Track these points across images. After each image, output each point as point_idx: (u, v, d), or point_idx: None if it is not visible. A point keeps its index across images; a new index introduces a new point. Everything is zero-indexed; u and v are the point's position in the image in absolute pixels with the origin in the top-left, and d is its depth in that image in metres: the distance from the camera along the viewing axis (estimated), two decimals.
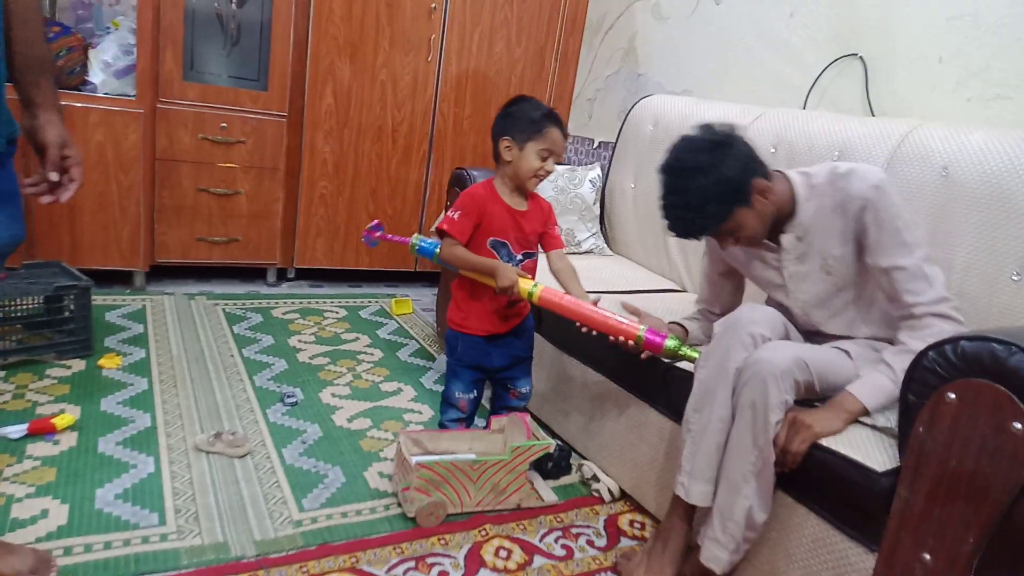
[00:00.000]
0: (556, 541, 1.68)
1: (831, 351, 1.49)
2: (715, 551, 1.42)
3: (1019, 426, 1.04)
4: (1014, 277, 1.54)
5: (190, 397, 2.09)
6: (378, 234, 2.00)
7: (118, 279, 2.88)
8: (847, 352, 1.50)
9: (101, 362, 2.21)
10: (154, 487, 1.66)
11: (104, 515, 1.54)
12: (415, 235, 1.96)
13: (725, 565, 1.42)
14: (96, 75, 2.68)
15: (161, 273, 3.03)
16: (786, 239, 1.54)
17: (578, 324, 1.72)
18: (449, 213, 1.75)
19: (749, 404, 1.37)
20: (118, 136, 2.67)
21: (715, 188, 1.42)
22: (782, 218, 1.54)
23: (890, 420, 1.36)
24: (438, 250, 1.79)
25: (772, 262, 1.60)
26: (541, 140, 1.69)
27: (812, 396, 1.44)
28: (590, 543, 1.69)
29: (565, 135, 1.73)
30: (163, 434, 1.88)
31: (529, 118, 1.69)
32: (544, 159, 1.70)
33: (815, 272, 1.54)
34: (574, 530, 1.73)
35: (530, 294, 1.70)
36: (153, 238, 2.88)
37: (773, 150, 2.13)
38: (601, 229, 2.80)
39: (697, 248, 2.38)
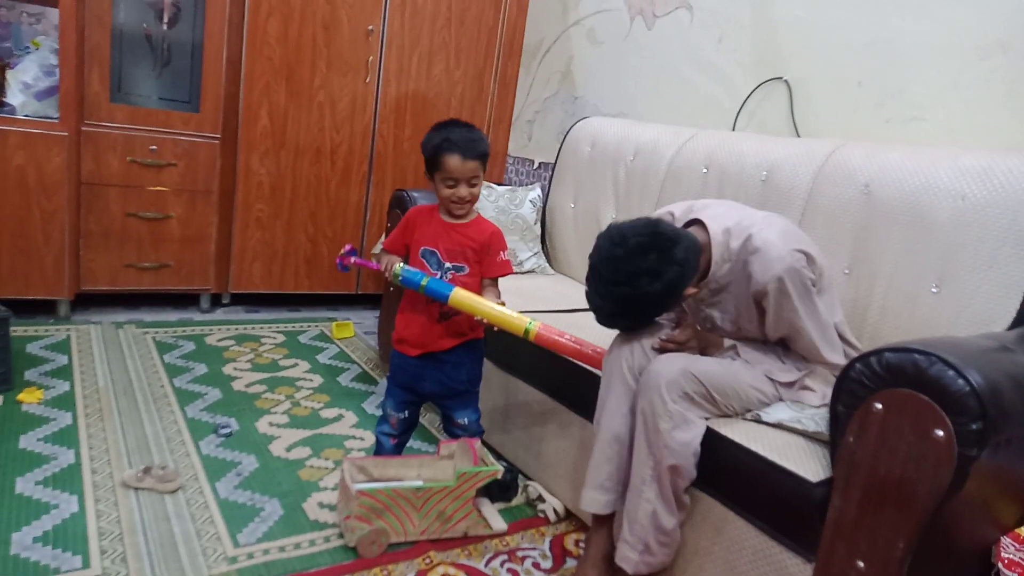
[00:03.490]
0: (502, 565, 1.66)
1: (726, 362, 1.54)
2: (625, 551, 1.48)
3: (941, 433, 1.08)
4: (933, 289, 1.61)
5: (117, 431, 2.00)
6: (353, 259, 1.84)
7: (41, 309, 2.74)
8: (745, 360, 1.55)
9: (20, 396, 2.09)
10: (78, 528, 1.57)
11: (21, 560, 1.45)
12: (399, 263, 1.75)
13: (636, 564, 1.46)
14: (15, 96, 2.57)
15: (87, 301, 2.90)
16: (702, 293, 1.57)
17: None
18: None
19: (641, 412, 1.45)
20: (40, 159, 2.55)
21: (655, 300, 1.43)
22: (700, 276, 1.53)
23: (820, 425, 1.40)
24: (424, 281, 1.70)
25: (691, 303, 1.64)
26: (441, 171, 1.70)
27: (716, 407, 1.47)
28: (536, 565, 1.68)
29: (467, 154, 1.67)
30: (88, 471, 1.79)
31: (427, 151, 1.71)
32: (451, 187, 1.70)
33: (725, 324, 1.60)
34: (520, 553, 1.71)
35: (526, 331, 1.68)
36: (79, 265, 2.76)
37: (705, 170, 2.19)
38: (542, 249, 2.82)
39: None
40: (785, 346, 1.58)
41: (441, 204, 1.76)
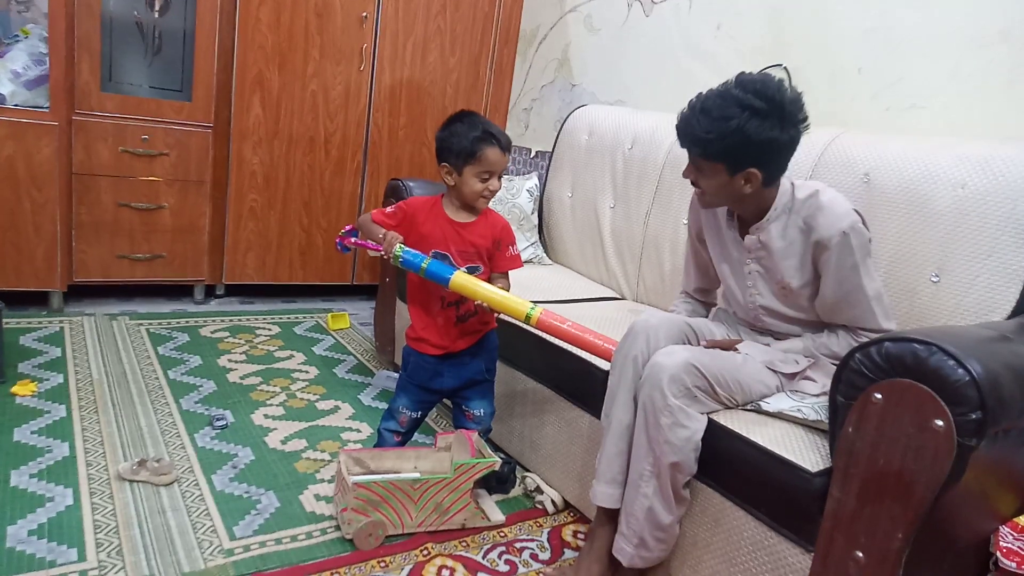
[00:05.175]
0: (500, 557, 1.66)
1: (728, 354, 1.53)
2: (621, 543, 1.49)
3: (940, 423, 1.08)
4: (933, 279, 1.61)
5: (112, 423, 1.99)
6: (353, 240, 1.79)
7: (33, 300, 2.72)
8: (746, 354, 1.54)
9: (14, 389, 2.08)
10: (73, 521, 1.56)
11: (16, 553, 1.44)
12: (399, 244, 1.70)
13: (630, 558, 1.47)
14: (4, 86, 2.53)
15: (80, 293, 2.88)
16: (749, 239, 1.57)
17: None
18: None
19: (642, 406, 1.44)
20: (30, 150, 2.52)
21: (733, 135, 1.39)
22: (754, 214, 1.55)
23: (820, 413, 1.40)
24: (424, 263, 1.66)
25: (736, 255, 1.63)
26: (477, 164, 1.67)
27: (718, 400, 1.46)
28: (534, 557, 1.68)
29: (505, 148, 1.69)
30: (83, 463, 1.78)
31: (462, 143, 1.66)
32: (485, 180, 1.69)
33: (772, 288, 1.58)
34: (518, 544, 1.71)
35: (528, 316, 1.66)
36: (71, 256, 2.74)
37: None
38: (540, 238, 2.81)
39: (634, 257, 2.41)
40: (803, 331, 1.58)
41: (467, 198, 1.71)
